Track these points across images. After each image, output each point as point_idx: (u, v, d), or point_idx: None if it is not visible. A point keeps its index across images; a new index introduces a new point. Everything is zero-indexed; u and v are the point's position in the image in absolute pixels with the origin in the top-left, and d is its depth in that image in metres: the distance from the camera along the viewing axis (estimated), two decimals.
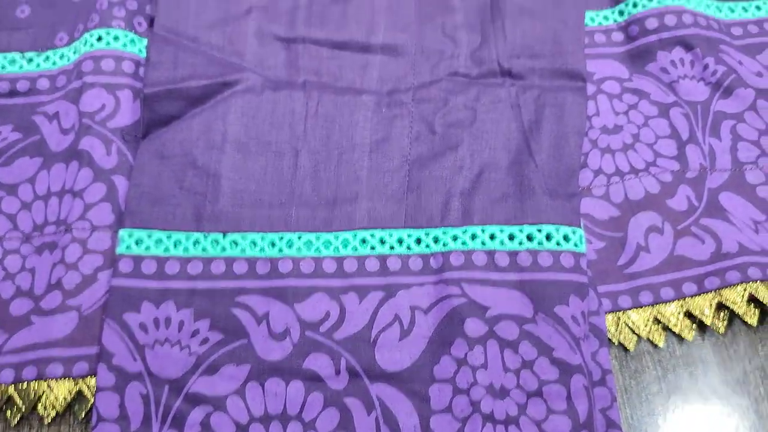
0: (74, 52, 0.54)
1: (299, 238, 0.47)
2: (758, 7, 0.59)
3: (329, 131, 0.51)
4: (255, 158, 0.50)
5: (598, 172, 0.51)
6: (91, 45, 0.53)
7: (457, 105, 0.53)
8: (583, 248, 0.46)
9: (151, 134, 0.50)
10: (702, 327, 0.48)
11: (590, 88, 0.54)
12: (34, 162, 0.51)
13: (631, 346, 0.46)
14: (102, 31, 0.53)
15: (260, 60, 0.54)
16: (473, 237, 0.47)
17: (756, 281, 0.46)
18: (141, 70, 0.53)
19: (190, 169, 0.49)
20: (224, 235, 0.47)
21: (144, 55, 0.54)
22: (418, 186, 0.49)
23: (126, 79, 0.52)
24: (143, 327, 0.44)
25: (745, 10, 0.59)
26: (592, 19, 0.58)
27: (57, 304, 0.45)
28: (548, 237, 0.46)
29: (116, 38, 0.53)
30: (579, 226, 0.47)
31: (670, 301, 0.47)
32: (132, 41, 0.54)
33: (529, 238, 0.46)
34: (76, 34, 0.55)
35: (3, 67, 0.54)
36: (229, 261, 0.46)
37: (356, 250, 0.47)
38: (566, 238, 0.46)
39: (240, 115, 0.51)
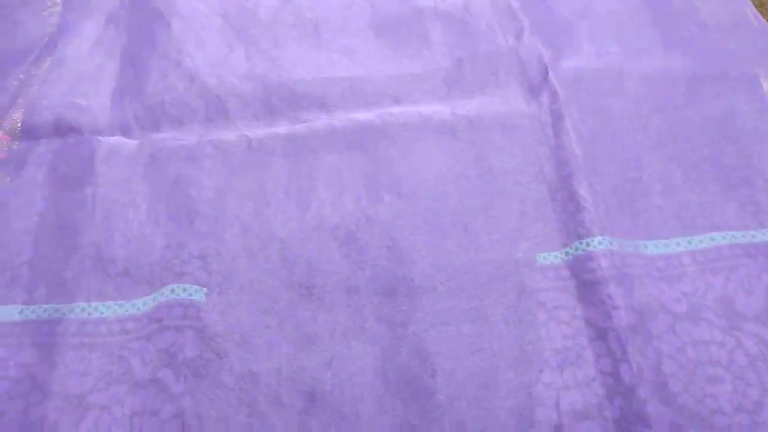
0: (153, 300, 0.73)
1: None
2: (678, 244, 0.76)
3: None
4: None
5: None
6: (166, 296, 0.72)
7: None
8: None
9: None
10: None
11: (542, 316, 0.70)
12: (123, 388, 0.68)
13: None
14: (176, 286, 0.73)
15: None
16: None
17: None
18: (200, 315, 0.72)
19: None
20: None
21: (204, 301, 0.72)
22: None
23: (192, 322, 0.71)
24: None
25: (666, 246, 0.76)
26: (545, 258, 0.75)
27: None
28: None
29: (185, 290, 0.72)
30: None
31: None
32: (196, 291, 0.73)
33: None
34: (155, 287, 0.74)
35: (101, 313, 0.73)
36: None
37: None
38: None
39: None
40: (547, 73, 0.85)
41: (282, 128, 0.84)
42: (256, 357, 0.69)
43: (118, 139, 0.84)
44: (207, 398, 0.67)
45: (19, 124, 0.85)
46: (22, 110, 0.86)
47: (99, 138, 0.84)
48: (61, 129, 0.85)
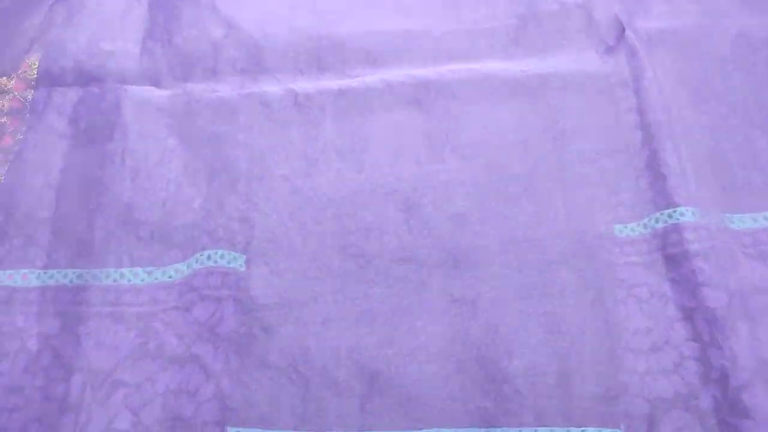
0: (187, 268, 0.66)
1: None
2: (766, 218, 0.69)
3: None
4: None
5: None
6: (202, 263, 0.65)
7: None
8: None
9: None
10: None
11: (621, 293, 0.63)
12: (154, 364, 0.61)
13: None
14: (213, 251, 0.65)
15: None
16: None
17: None
18: (240, 284, 0.64)
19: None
20: None
21: (243, 269, 0.65)
22: None
23: (231, 292, 0.63)
24: None
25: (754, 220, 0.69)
26: (621, 230, 0.68)
27: None
28: None
29: (222, 257, 0.65)
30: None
31: None
32: (235, 258, 0.65)
33: None
34: (187, 254, 0.67)
35: (129, 280, 0.65)
36: None
37: None
38: None
39: None
40: (624, 32, 0.77)
41: (332, 83, 0.76)
42: (308, 332, 0.62)
43: (147, 89, 0.76)
44: (252, 378, 0.60)
45: (34, 71, 0.76)
46: (39, 56, 0.78)
47: (126, 87, 0.75)
48: (83, 77, 0.76)
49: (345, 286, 0.64)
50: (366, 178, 0.70)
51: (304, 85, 0.77)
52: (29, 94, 0.76)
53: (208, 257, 0.65)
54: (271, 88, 0.76)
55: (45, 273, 0.66)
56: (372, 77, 0.77)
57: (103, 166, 0.71)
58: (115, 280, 0.65)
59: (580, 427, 0.56)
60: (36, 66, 0.77)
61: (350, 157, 0.71)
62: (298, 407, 0.58)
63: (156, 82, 0.77)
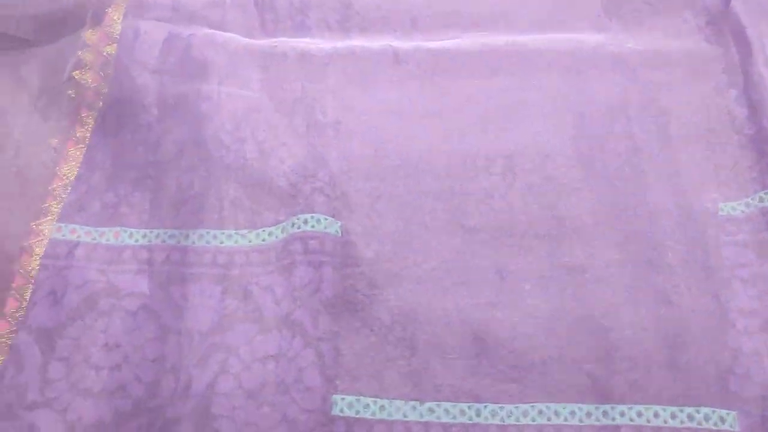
0: (282, 232, 0.64)
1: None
2: None
3: None
4: None
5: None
6: (298, 227, 0.63)
7: None
8: None
9: None
10: None
11: (725, 274, 0.61)
12: (252, 328, 0.60)
13: None
14: (308, 216, 0.64)
15: None
16: None
17: None
18: (339, 249, 0.63)
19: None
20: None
21: (339, 234, 0.63)
22: None
23: (329, 258, 0.62)
24: None
25: None
26: (722, 209, 0.66)
27: None
28: None
29: (319, 222, 0.64)
30: None
31: None
32: (331, 224, 0.64)
33: None
34: (281, 216, 0.65)
35: (222, 242, 0.64)
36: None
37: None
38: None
39: None
40: (729, 1, 0.74)
41: (427, 44, 0.74)
42: (411, 298, 0.60)
43: (239, 39, 0.74)
44: (354, 345, 0.59)
45: (118, 26, 0.74)
46: (123, 9, 0.75)
47: (219, 33, 0.74)
48: (175, 18, 0.74)
49: (447, 252, 0.62)
50: (464, 142, 0.68)
51: (399, 44, 0.74)
52: (111, 48, 0.74)
53: (305, 221, 0.63)
54: (367, 43, 0.74)
55: (138, 232, 0.64)
56: (467, 41, 0.74)
57: (197, 119, 0.69)
58: (208, 242, 0.64)
59: (695, 406, 0.54)
60: (120, 21, 0.74)
61: (447, 120, 0.69)
62: (404, 374, 0.57)
63: (248, 34, 0.75)
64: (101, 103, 0.71)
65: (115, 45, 0.74)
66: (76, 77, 0.72)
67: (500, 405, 0.56)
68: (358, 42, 0.75)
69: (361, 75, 0.72)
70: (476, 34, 0.75)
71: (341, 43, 0.74)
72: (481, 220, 0.64)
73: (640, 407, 0.55)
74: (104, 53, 0.73)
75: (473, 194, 0.65)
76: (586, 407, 0.55)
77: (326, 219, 0.64)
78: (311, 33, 0.76)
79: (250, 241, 0.64)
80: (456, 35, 0.75)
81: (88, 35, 0.74)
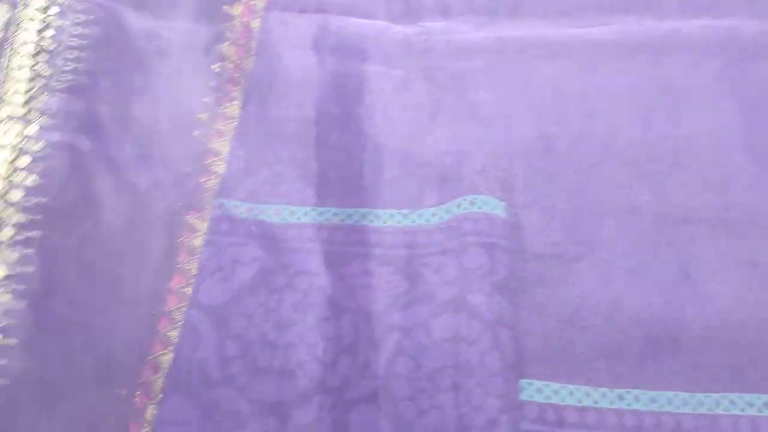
0: (446, 213, 0.63)
1: None
2: None
3: None
4: None
5: None
6: (465, 208, 0.62)
7: None
8: None
9: None
10: None
11: None
12: (424, 310, 0.59)
13: None
14: (475, 197, 0.62)
15: None
16: None
17: None
18: (507, 231, 0.61)
19: None
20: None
21: (505, 216, 0.62)
22: None
23: (498, 240, 0.61)
24: None
25: None
26: None
27: None
28: None
29: (486, 203, 0.62)
30: None
31: None
32: (498, 205, 0.62)
33: None
34: (444, 197, 0.64)
35: (385, 222, 0.63)
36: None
37: None
38: None
39: None
40: None
41: (570, 31, 0.72)
42: (586, 285, 0.59)
43: (385, 24, 0.73)
44: (532, 326, 0.58)
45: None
46: None
47: (365, 21, 0.72)
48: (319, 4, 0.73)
49: (622, 241, 0.61)
50: (628, 129, 0.67)
51: (542, 30, 0.73)
52: (255, 23, 0.72)
53: (472, 202, 0.62)
54: (509, 31, 0.73)
55: (299, 209, 0.63)
56: (621, 27, 0.73)
57: (348, 97, 0.68)
58: (371, 221, 0.62)
59: None
60: None
61: (610, 106, 0.68)
62: (587, 360, 0.56)
63: (392, 18, 0.74)
64: (248, 79, 0.70)
65: (259, 20, 0.72)
66: (220, 51, 0.70)
67: (691, 393, 0.54)
68: (502, 29, 0.73)
69: (513, 57, 0.70)
70: (628, 20, 0.73)
71: (487, 29, 0.72)
72: (656, 213, 0.62)
73: None
74: (249, 27, 0.72)
75: (643, 182, 0.63)
76: None
77: (493, 200, 0.62)
78: (455, 16, 0.74)
79: (413, 221, 0.63)
80: (606, 21, 0.73)
81: (232, 8, 0.72)
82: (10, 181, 0.56)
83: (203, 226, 0.61)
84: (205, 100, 0.69)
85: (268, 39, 0.71)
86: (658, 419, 0.54)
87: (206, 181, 0.64)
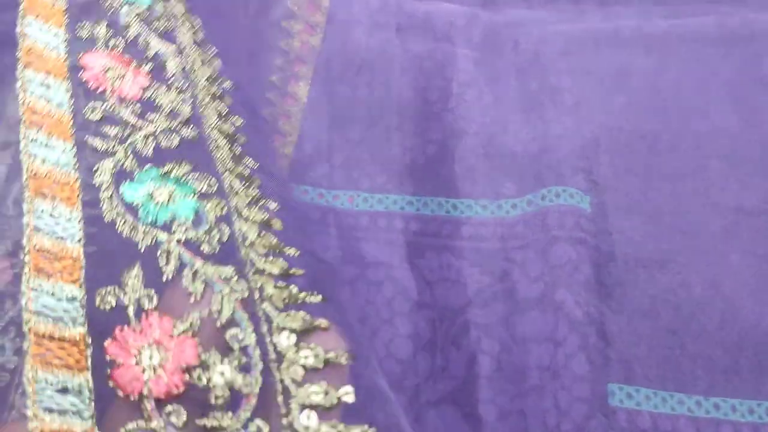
0: (527, 204, 0.59)
1: None
2: None
3: None
4: None
5: None
6: (550, 200, 0.58)
7: None
8: None
9: None
10: None
11: None
12: (506, 307, 0.56)
13: None
14: (559, 189, 0.59)
15: None
16: None
17: None
18: (593, 226, 0.58)
19: None
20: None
21: (590, 210, 0.59)
22: None
23: (584, 235, 0.57)
24: None
25: None
26: None
27: None
28: None
29: (572, 196, 0.59)
30: None
31: None
32: (583, 198, 0.59)
33: None
34: (525, 188, 0.60)
35: (462, 212, 0.60)
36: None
37: None
38: None
39: None
40: None
41: (664, 21, 0.68)
42: (679, 280, 0.56)
43: (472, 11, 0.69)
44: (622, 327, 0.54)
45: None
46: None
47: (450, 5, 0.69)
48: None
49: (731, 244, 0.57)
50: (715, 121, 0.63)
51: (634, 22, 0.68)
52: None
53: (557, 195, 0.59)
54: (598, 23, 0.69)
55: (372, 197, 0.60)
56: (702, 18, 0.68)
57: (421, 81, 0.64)
58: (447, 211, 0.59)
59: None
60: None
61: (692, 97, 0.64)
62: (680, 366, 0.53)
63: (475, 5, 0.70)
64: (317, 58, 0.66)
65: None
66: (285, 27, 0.67)
67: None
68: (596, 17, 0.69)
69: (604, 49, 0.66)
70: (725, 11, 0.68)
71: (579, 17, 0.69)
72: (749, 204, 0.58)
73: None
74: (317, 2, 0.68)
75: (752, 183, 0.59)
76: None
77: (579, 193, 0.59)
78: (537, 7, 0.70)
79: (492, 213, 0.60)
80: (702, 12, 0.69)
81: None
82: None
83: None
84: (272, 78, 0.65)
85: (337, 17, 0.67)
86: (757, 430, 0.50)
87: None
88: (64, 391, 0.26)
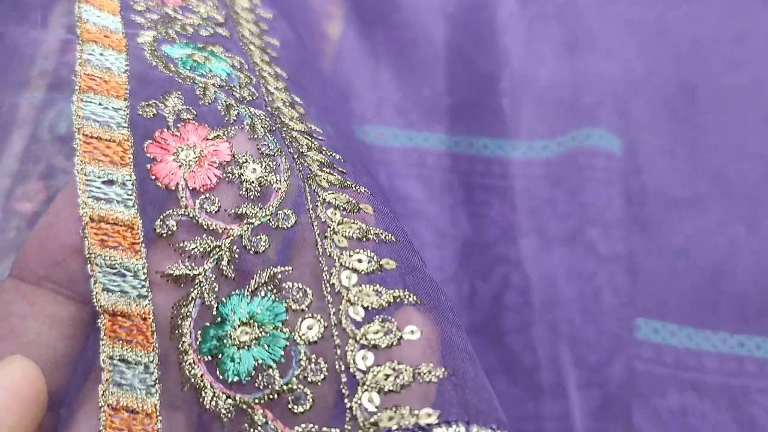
0: (558, 146, 0.60)
1: None
2: None
3: None
4: None
5: None
6: (580, 142, 0.59)
7: None
8: None
9: None
10: None
11: None
12: (535, 243, 0.56)
13: None
14: (590, 130, 0.59)
15: None
16: None
17: None
18: (623, 167, 0.58)
19: None
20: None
21: (621, 153, 0.59)
22: None
23: (615, 176, 0.57)
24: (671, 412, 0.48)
25: None
26: None
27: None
28: None
29: (601, 138, 0.59)
30: None
31: None
32: (614, 141, 0.59)
33: None
34: (556, 130, 0.61)
35: (493, 152, 0.60)
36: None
37: None
38: None
39: None
40: None
41: None
42: (707, 222, 0.56)
43: None
44: (649, 265, 0.55)
45: None
46: None
47: None
48: None
49: (751, 189, 0.57)
50: (747, 73, 0.63)
51: None
52: None
53: (587, 136, 0.59)
54: None
55: (403, 133, 0.61)
56: None
57: (470, 22, 0.64)
58: (478, 151, 0.60)
59: None
60: None
61: (743, 58, 0.63)
62: (705, 305, 0.53)
63: None
64: None
65: None
66: None
67: None
68: None
69: None
70: None
71: None
72: None
73: None
74: None
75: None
76: None
77: (609, 135, 0.59)
78: None
79: (523, 153, 0.60)
80: None
81: None
82: None
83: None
84: (303, 18, 0.65)
85: None
86: None
87: None
88: (109, 183, 0.29)
